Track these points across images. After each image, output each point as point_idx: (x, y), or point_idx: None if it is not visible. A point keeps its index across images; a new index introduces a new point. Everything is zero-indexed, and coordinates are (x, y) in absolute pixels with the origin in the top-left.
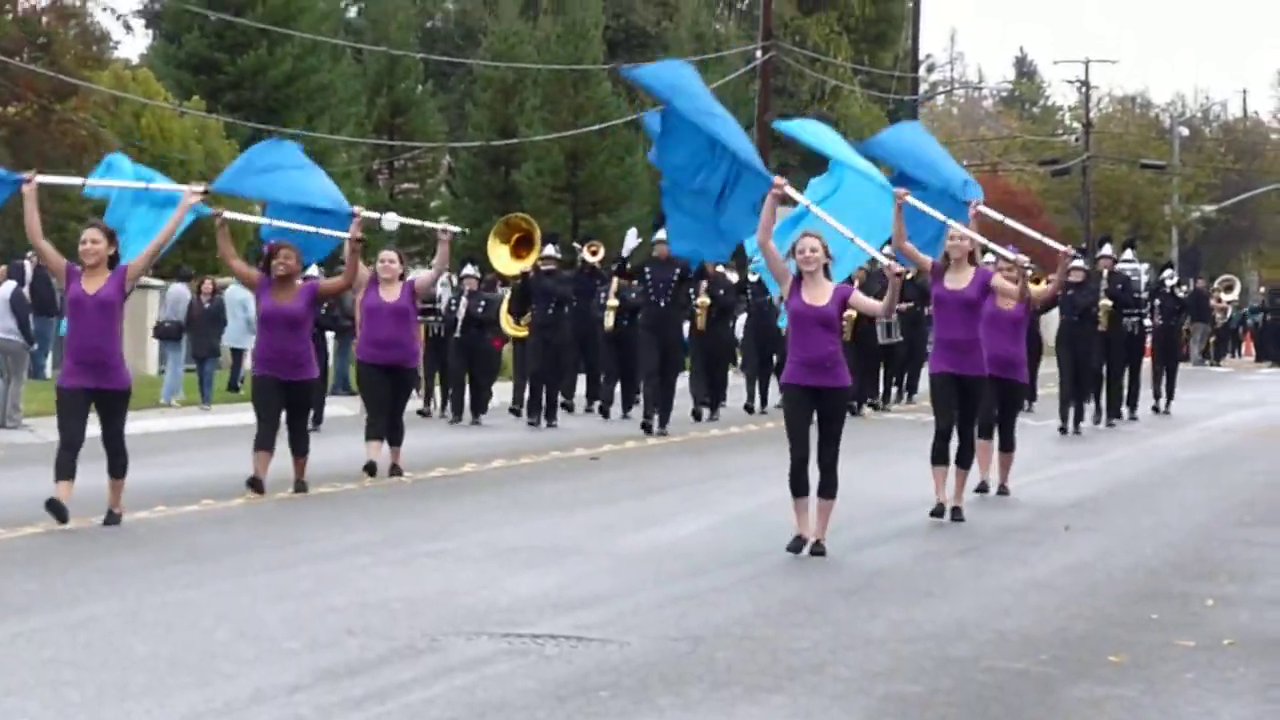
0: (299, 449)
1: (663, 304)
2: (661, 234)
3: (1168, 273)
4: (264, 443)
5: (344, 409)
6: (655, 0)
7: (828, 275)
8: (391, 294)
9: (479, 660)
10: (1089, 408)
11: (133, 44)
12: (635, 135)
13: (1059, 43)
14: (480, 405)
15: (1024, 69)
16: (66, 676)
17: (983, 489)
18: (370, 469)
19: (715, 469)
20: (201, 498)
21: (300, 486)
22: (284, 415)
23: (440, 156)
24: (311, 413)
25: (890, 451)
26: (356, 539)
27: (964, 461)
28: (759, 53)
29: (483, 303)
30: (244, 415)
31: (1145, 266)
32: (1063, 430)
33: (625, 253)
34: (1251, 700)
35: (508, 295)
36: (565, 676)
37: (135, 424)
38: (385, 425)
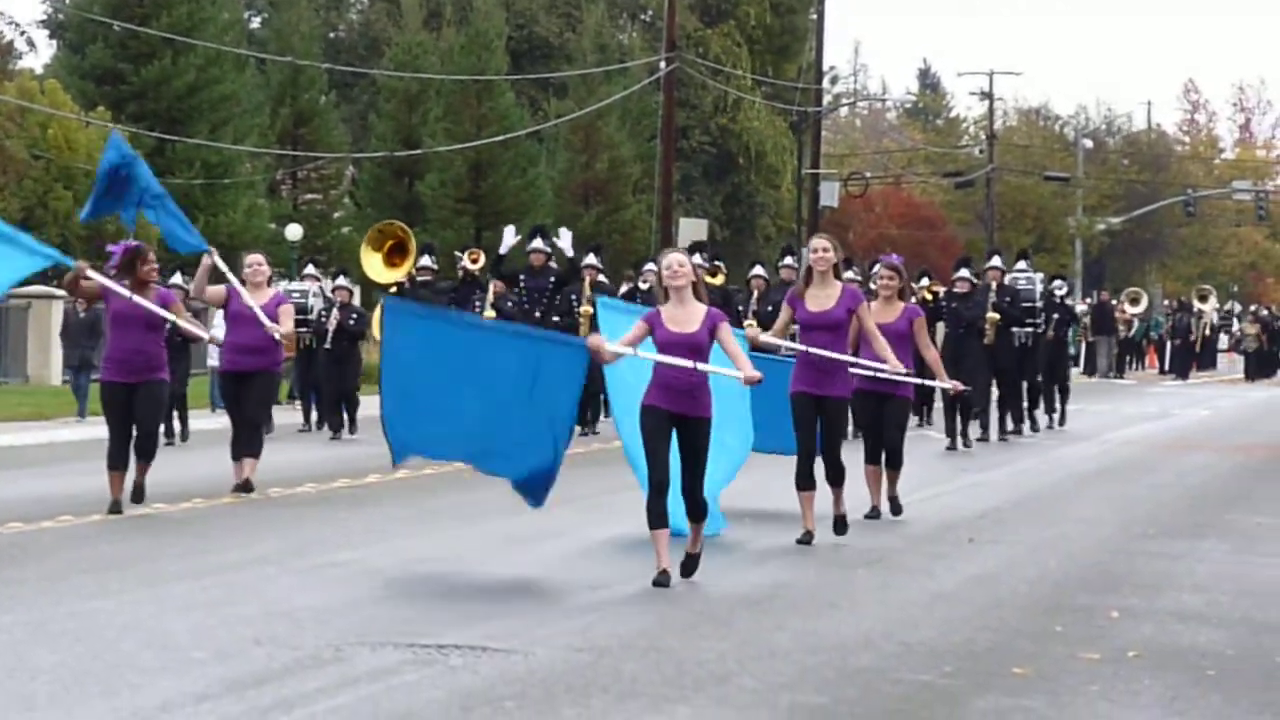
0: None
1: (538, 314)
2: (537, 242)
3: (1057, 283)
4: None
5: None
6: (559, 11)
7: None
8: (260, 299)
9: (385, 670)
10: (975, 423)
11: (37, 55)
12: (538, 147)
13: (962, 54)
14: (353, 418)
15: (928, 81)
16: None
17: (873, 514)
18: (246, 487)
19: (617, 480)
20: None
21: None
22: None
23: (344, 167)
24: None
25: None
26: (263, 549)
27: (835, 480)
28: (662, 64)
29: (354, 315)
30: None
31: (1040, 276)
32: (950, 448)
33: (503, 250)
34: (1157, 713)
35: (380, 304)
36: (471, 687)
37: (42, 433)
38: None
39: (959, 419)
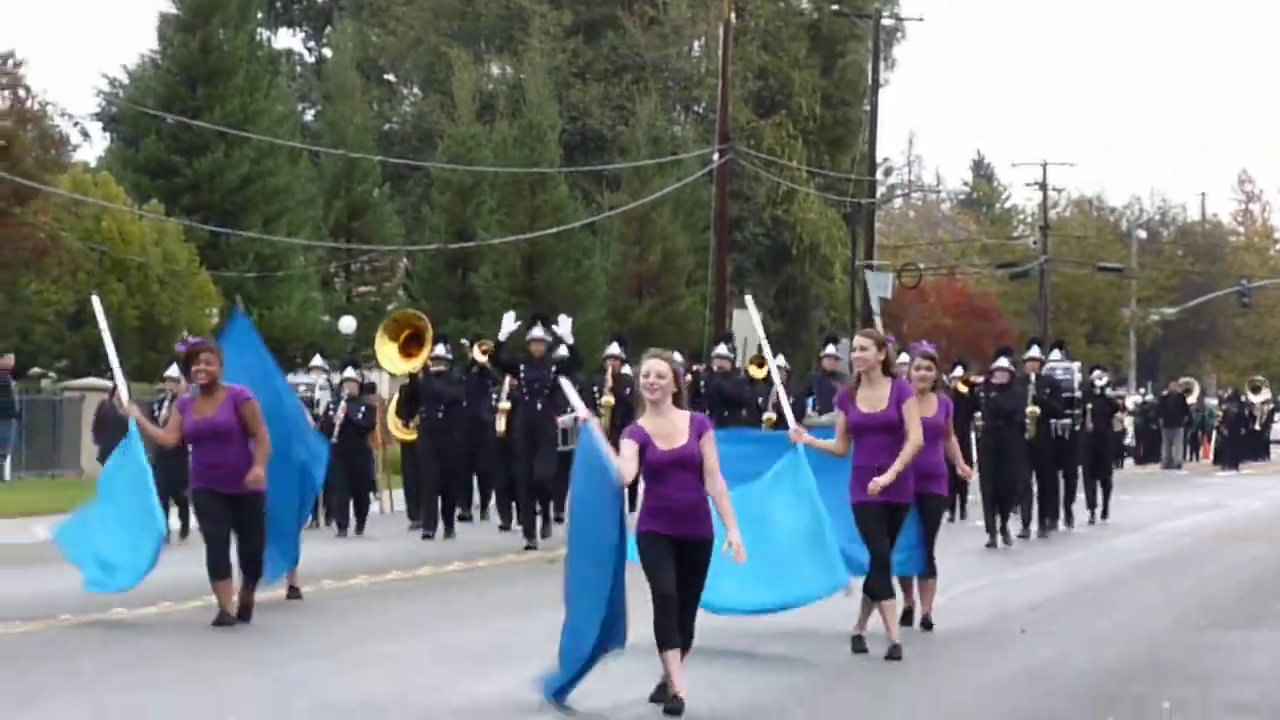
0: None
1: (539, 406)
2: (537, 330)
3: (1096, 374)
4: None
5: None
6: (612, 104)
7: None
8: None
9: None
10: (1015, 519)
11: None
12: (592, 239)
13: (1017, 145)
14: (361, 514)
15: (982, 171)
16: None
17: (906, 618)
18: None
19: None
20: (160, 600)
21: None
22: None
23: (398, 259)
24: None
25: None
26: (314, 642)
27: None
28: (715, 156)
29: (362, 409)
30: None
31: (1078, 365)
32: (990, 545)
33: (501, 336)
34: None
35: (395, 397)
36: None
37: None
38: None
39: (999, 515)
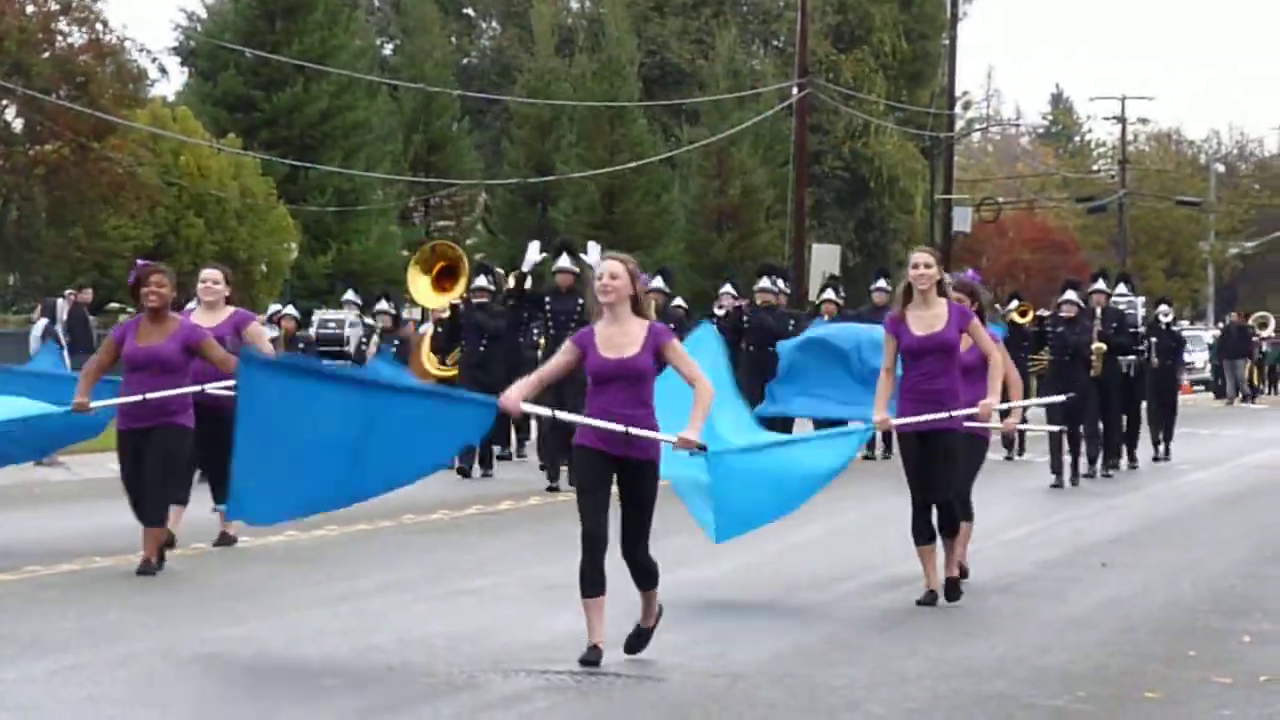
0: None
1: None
2: (564, 260)
3: (1162, 308)
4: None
5: None
6: (691, 38)
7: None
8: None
9: (517, 697)
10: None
11: (168, 83)
12: (671, 173)
13: (1095, 79)
14: None
15: (1060, 105)
16: (106, 714)
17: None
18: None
19: None
20: (240, 534)
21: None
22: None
23: (476, 194)
24: None
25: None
26: (396, 576)
27: (949, 530)
28: (794, 90)
29: (395, 342)
30: None
31: (1142, 300)
32: (1057, 485)
33: (525, 267)
34: None
35: (429, 330)
36: (603, 713)
37: None
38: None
39: (1066, 454)
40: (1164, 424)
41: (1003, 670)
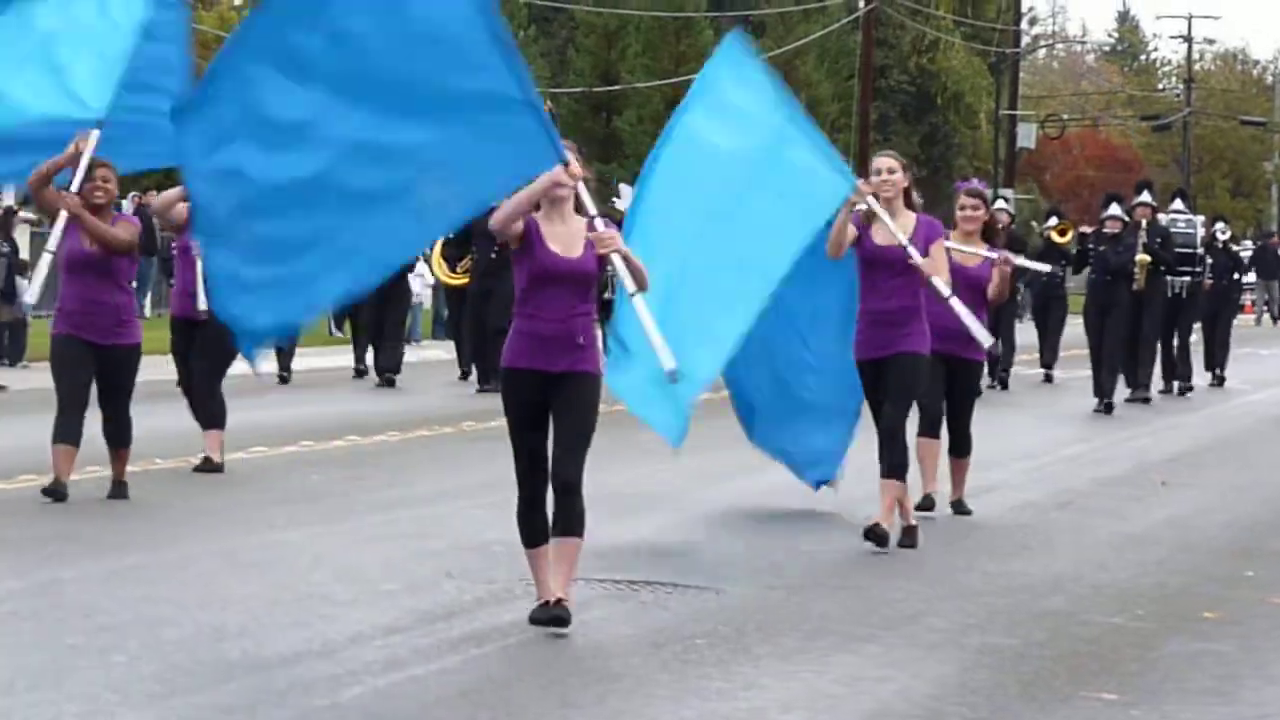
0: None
1: None
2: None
3: (1219, 226)
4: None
5: (442, 353)
6: None
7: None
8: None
9: (577, 606)
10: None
11: None
12: None
13: None
14: (395, 361)
15: (1126, 22)
16: (164, 615)
17: (927, 504)
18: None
19: None
20: (300, 439)
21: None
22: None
23: (542, 101)
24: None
25: (990, 406)
26: (454, 483)
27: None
28: (862, 3)
29: None
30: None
31: (1201, 219)
32: (1105, 408)
33: (621, 205)
34: None
35: (440, 239)
36: (662, 623)
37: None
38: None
39: (1109, 377)
40: (1220, 348)
41: (1060, 587)
